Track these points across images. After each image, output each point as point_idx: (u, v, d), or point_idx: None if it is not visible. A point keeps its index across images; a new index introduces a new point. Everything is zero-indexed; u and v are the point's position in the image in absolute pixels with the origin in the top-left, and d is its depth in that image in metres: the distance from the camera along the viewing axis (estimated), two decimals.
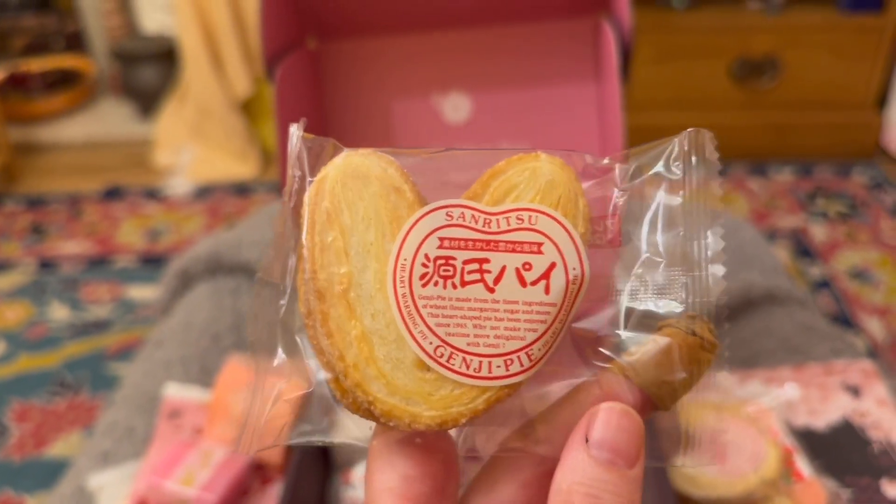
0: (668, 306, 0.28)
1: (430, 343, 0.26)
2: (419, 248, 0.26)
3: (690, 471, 0.62)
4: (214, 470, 0.66)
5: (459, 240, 0.26)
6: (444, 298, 0.26)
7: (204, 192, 2.26)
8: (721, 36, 2.15)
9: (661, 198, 0.28)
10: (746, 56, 2.16)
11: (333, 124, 0.71)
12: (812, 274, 1.85)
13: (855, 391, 0.73)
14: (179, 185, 2.29)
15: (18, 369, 1.66)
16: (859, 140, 2.26)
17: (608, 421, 0.26)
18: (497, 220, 0.27)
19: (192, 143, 2.37)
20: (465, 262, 0.26)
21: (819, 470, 0.64)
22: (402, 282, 0.26)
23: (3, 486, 1.41)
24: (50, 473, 1.42)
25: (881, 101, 2.24)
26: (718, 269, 0.28)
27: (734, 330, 0.87)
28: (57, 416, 1.54)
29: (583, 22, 0.67)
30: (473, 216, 0.27)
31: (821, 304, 1.73)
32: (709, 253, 0.28)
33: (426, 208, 0.27)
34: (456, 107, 0.70)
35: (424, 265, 0.26)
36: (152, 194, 2.27)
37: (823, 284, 1.81)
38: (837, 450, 0.68)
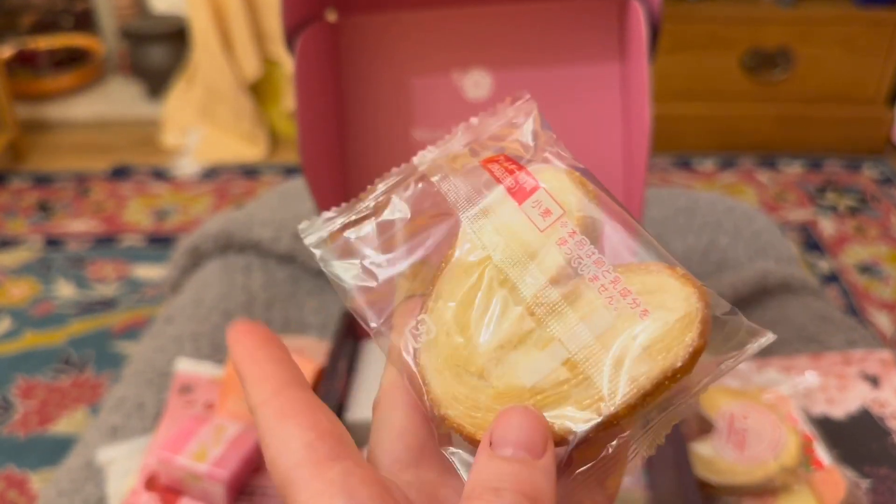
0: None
1: None
2: None
3: (710, 457, 0.62)
4: (227, 445, 0.66)
5: None
6: None
7: (212, 174, 2.25)
8: (733, 27, 2.14)
9: None
10: (759, 48, 2.15)
11: (351, 99, 0.70)
12: (821, 268, 1.84)
13: (874, 381, 0.72)
14: (187, 165, 2.28)
15: (24, 346, 1.66)
16: (870, 135, 2.25)
17: (506, 420, 0.27)
18: None
19: (201, 124, 2.36)
20: None
21: (837, 459, 0.64)
22: None
23: (7, 462, 1.41)
24: (54, 450, 1.42)
25: (893, 97, 2.22)
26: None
27: (749, 317, 0.86)
28: (62, 394, 1.54)
29: None
30: None
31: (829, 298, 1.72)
32: None
33: None
34: (477, 83, 0.69)
35: None
36: (160, 174, 2.26)
37: (832, 278, 1.80)
38: (856, 439, 0.67)
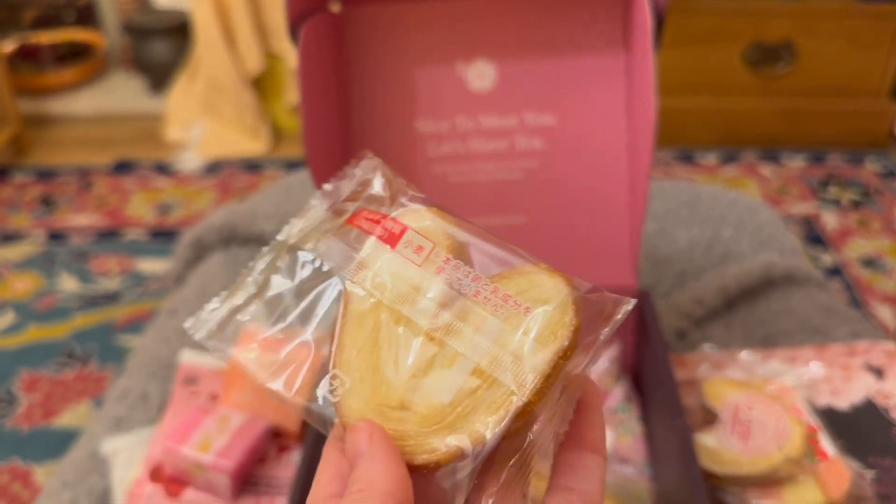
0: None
1: None
2: None
3: (715, 448, 0.62)
4: (231, 436, 0.66)
5: None
6: None
7: (214, 168, 2.25)
8: (736, 20, 2.13)
9: None
10: (761, 41, 2.14)
11: (355, 90, 0.70)
12: (823, 261, 1.84)
13: (878, 372, 0.72)
14: (190, 160, 2.28)
15: (27, 339, 1.66)
16: (873, 128, 2.25)
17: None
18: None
19: (203, 119, 2.36)
20: None
21: (842, 449, 0.64)
22: None
23: (11, 455, 1.41)
24: (58, 443, 1.42)
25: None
26: None
27: (754, 309, 0.86)
28: (65, 387, 1.54)
29: None
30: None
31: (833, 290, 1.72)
32: None
33: None
34: (481, 74, 0.69)
35: None
36: (162, 169, 2.26)
37: (835, 272, 1.80)
38: (860, 430, 0.67)
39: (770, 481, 0.60)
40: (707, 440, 0.63)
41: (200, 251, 0.99)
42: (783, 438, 0.61)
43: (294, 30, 0.62)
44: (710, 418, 0.66)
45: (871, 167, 2.18)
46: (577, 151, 0.69)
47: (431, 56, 0.69)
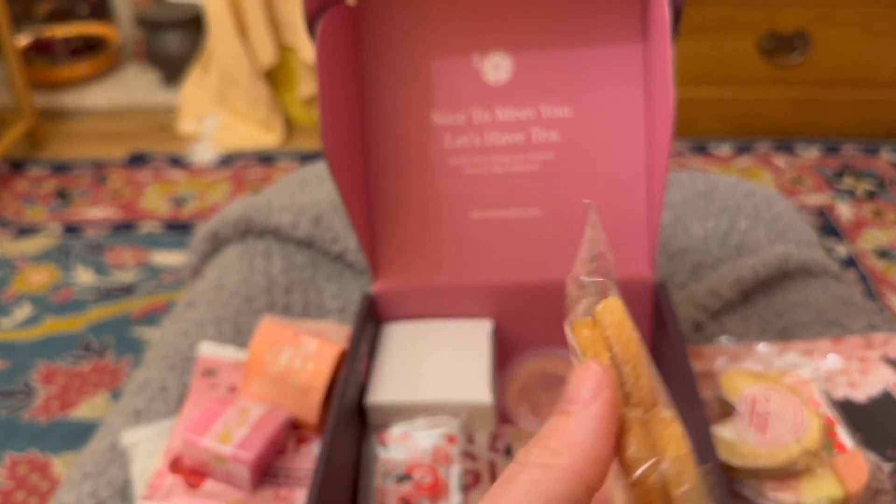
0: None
1: None
2: None
3: (732, 440, 0.62)
4: (251, 428, 0.66)
5: None
6: None
7: (228, 160, 2.26)
8: (750, 10, 2.12)
9: None
10: (776, 31, 2.13)
11: (372, 83, 0.70)
12: (838, 252, 1.83)
13: None
14: (204, 152, 2.29)
15: (44, 332, 1.68)
16: (888, 118, 2.23)
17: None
18: None
19: (217, 111, 2.36)
20: None
21: (860, 442, 0.64)
22: None
23: (29, 446, 1.43)
24: (75, 435, 1.43)
25: None
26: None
27: (770, 301, 0.86)
28: (82, 379, 1.55)
29: None
30: None
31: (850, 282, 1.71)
32: None
33: None
34: (497, 66, 0.69)
35: None
36: (177, 161, 2.27)
37: (850, 263, 1.79)
38: (878, 422, 0.67)
39: (787, 474, 0.60)
40: (724, 433, 0.63)
41: (217, 244, 0.99)
42: (801, 431, 0.61)
43: (311, 23, 0.62)
44: (727, 411, 0.66)
45: (886, 157, 2.16)
46: (593, 144, 0.69)
47: (447, 48, 0.69)
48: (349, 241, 0.93)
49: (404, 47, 0.70)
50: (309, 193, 1.05)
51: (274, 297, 0.89)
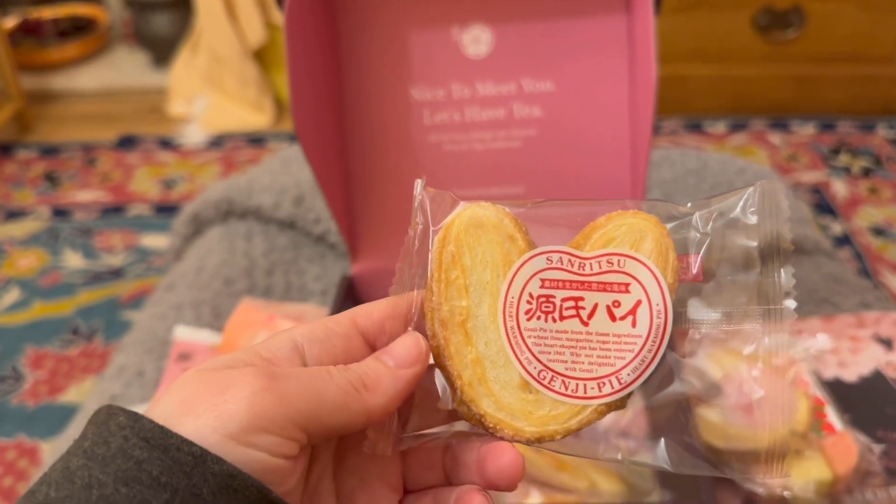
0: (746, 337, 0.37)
1: (534, 367, 0.32)
2: (524, 287, 0.32)
3: (718, 422, 0.60)
4: None
5: (558, 280, 0.32)
6: (545, 330, 0.32)
7: (218, 142, 2.24)
8: None
9: (740, 240, 0.34)
10: (771, 6, 2.10)
11: (348, 57, 0.68)
12: (833, 230, 1.81)
13: (888, 343, 0.70)
14: (193, 133, 2.26)
15: (32, 316, 1.66)
16: (884, 95, 2.21)
17: (400, 340, 0.33)
18: (590, 263, 0.32)
19: (206, 92, 2.34)
20: (563, 300, 0.32)
21: (849, 423, 0.62)
22: (510, 315, 0.32)
23: (17, 431, 1.41)
24: (63, 419, 1.42)
25: None
26: (791, 303, 0.35)
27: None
28: (70, 363, 1.54)
29: None
30: (570, 260, 0.32)
31: (843, 260, 1.70)
32: (782, 289, 0.34)
33: (530, 253, 0.32)
34: (476, 39, 0.67)
35: (528, 302, 0.32)
36: (166, 143, 2.25)
37: (845, 240, 1.78)
38: (869, 402, 0.65)
39: (774, 456, 0.59)
40: (710, 414, 0.61)
41: (199, 226, 0.98)
42: (788, 412, 0.59)
43: None
44: (712, 392, 0.64)
45: (882, 134, 2.14)
46: (576, 119, 0.68)
47: (426, 20, 0.67)
48: (332, 222, 0.91)
49: (381, 20, 0.67)
50: (291, 173, 1.03)
51: (255, 280, 0.87)
